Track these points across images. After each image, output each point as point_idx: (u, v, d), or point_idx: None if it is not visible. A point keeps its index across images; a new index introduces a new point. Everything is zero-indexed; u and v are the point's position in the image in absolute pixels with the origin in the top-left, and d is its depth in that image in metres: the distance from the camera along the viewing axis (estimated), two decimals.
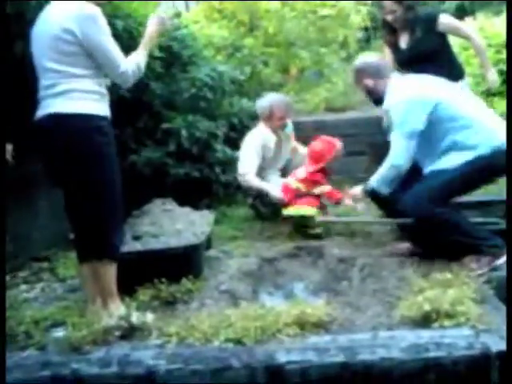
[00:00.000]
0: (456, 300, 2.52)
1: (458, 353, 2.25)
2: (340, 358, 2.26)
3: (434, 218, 3.07)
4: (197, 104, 4.65)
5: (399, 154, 3.21)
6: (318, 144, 4.11)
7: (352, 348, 2.31)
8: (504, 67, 5.42)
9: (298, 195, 3.98)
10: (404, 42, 4.06)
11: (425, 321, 2.46)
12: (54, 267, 3.54)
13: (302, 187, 3.98)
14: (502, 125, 3.16)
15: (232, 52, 6.43)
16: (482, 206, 3.30)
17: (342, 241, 3.76)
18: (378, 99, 3.38)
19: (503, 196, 3.74)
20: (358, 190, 3.47)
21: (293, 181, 4.06)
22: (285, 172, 4.54)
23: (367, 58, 3.54)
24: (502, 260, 2.94)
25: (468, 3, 8.54)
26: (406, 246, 3.42)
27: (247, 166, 4.25)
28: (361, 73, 3.40)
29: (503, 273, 2.91)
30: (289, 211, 3.99)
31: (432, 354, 2.26)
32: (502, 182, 4.74)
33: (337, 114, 5.97)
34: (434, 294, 2.57)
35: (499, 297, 2.69)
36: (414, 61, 3.88)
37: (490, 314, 2.50)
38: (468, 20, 6.35)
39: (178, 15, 5.04)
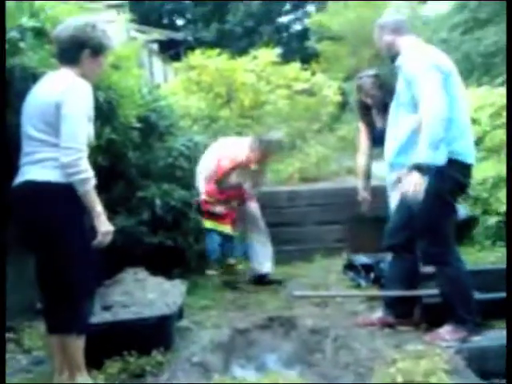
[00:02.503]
0: (428, 371, 2.51)
1: None
2: None
3: (456, 275, 3.09)
4: (172, 173, 4.71)
5: (436, 100, 2.91)
6: None
7: None
8: None
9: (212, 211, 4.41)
10: (380, 121, 4.16)
11: None
12: (19, 338, 3.42)
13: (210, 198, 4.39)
14: (467, 132, 3.14)
15: (208, 123, 6.60)
16: None
17: (314, 311, 3.76)
18: (395, 56, 3.30)
19: (478, 267, 3.84)
20: (414, 175, 2.90)
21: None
22: None
23: (389, 15, 3.50)
24: (477, 338, 3.00)
25: None
26: (376, 316, 3.42)
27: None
28: (381, 29, 3.39)
29: (473, 344, 2.95)
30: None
31: None
32: (475, 252, 4.84)
33: (310, 184, 6.09)
34: (407, 365, 2.57)
35: (471, 367, 2.70)
36: None
37: None
38: None
39: (157, 87, 5.20)
